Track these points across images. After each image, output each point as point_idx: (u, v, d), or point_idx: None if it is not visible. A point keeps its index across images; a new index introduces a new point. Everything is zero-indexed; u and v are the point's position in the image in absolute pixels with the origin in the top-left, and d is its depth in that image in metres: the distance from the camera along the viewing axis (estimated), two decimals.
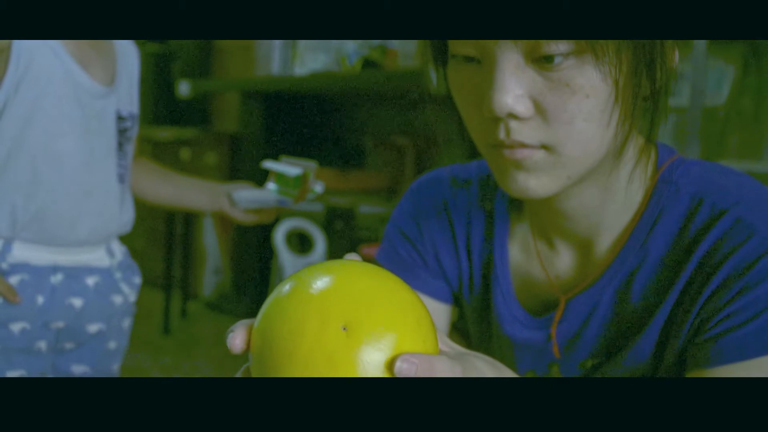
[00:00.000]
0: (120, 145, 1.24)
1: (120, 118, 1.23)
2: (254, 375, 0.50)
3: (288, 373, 0.47)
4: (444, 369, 0.47)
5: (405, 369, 0.45)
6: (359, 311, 0.47)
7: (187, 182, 1.42)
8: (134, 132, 1.29)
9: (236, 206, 1.36)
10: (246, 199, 1.35)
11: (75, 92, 1.15)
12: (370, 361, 0.46)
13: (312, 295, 0.48)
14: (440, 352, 0.53)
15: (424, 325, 0.49)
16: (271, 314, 0.49)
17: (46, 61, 1.11)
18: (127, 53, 1.29)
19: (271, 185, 1.35)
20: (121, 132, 1.24)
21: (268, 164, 1.35)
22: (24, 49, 1.10)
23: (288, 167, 1.31)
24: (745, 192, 0.64)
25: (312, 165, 1.29)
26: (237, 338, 0.49)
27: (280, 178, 1.32)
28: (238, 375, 0.52)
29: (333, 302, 0.47)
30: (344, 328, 0.46)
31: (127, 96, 1.27)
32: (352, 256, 0.55)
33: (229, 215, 1.37)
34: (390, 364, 0.46)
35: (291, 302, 0.49)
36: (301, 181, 1.28)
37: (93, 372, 1.26)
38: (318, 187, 1.31)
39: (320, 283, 0.49)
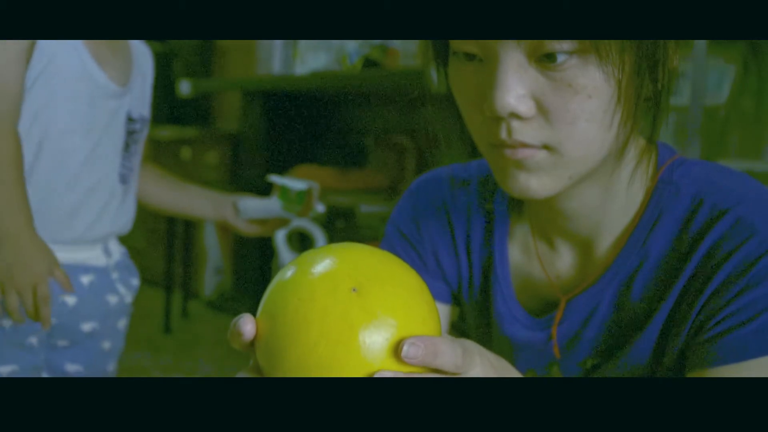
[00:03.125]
0: (126, 146, 1.24)
1: (130, 120, 1.24)
2: (262, 360, 0.50)
3: (303, 341, 0.47)
4: (447, 350, 0.48)
5: (412, 352, 0.46)
6: (368, 275, 0.48)
7: (192, 191, 1.43)
8: (143, 135, 1.29)
9: (240, 215, 1.37)
10: (251, 208, 1.36)
11: (89, 90, 1.15)
12: (383, 320, 0.47)
13: (318, 269, 0.49)
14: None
15: (427, 291, 0.51)
16: (278, 294, 0.50)
17: (66, 57, 1.12)
18: (142, 56, 1.29)
19: (274, 200, 1.36)
20: (130, 133, 1.24)
21: (274, 178, 1.37)
22: (46, 46, 1.10)
23: (293, 181, 1.33)
24: (746, 192, 0.64)
25: (315, 185, 1.30)
26: (248, 324, 0.49)
27: (284, 193, 1.34)
28: (248, 372, 0.52)
29: (341, 270, 0.49)
30: (354, 290, 0.47)
31: (140, 98, 1.27)
32: None
33: (232, 225, 1.38)
34: (401, 327, 0.47)
35: (298, 278, 0.49)
36: (305, 196, 1.30)
37: (86, 371, 1.26)
38: (320, 208, 1.32)
39: (324, 260, 0.50)
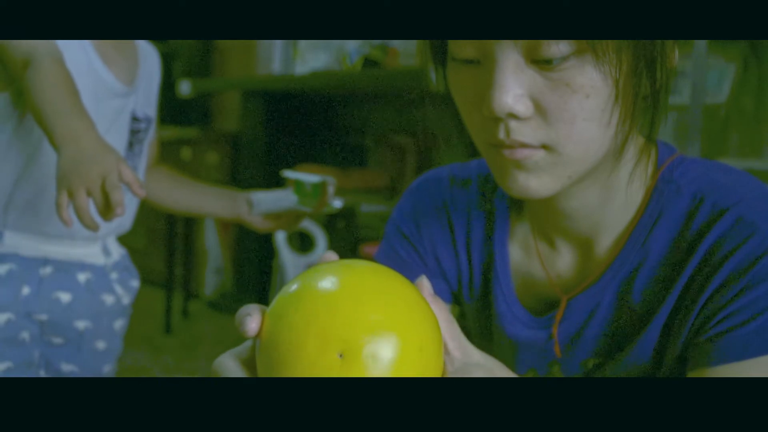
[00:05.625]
0: (130, 145, 1.24)
1: (134, 119, 1.24)
2: (259, 363, 0.51)
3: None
4: None
5: None
6: (357, 338, 0.47)
7: (206, 190, 1.43)
8: (148, 135, 1.30)
9: (254, 210, 1.36)
10: (265, 201, 1.35)
11: (94, 88, 1.15)
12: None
13: (315, 310, 0.48)
14: (447, 353, 0.53)
15: (426, 349, 0.49)
16: (279, 312, 0.50)
17: (73, 54, 1.12)
18: (149, 57, 1.30)
19: (288, 192, 1.35)
20: (134, 132, 1.24)
21: (288, 173, 1.36)
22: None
23: (307, 175, 1.32)
24: (746, 191, 0.64)
25: (331, 179, 1.29)
26: (254, 323, 0.51)
27: (299, 187, 1.33)
28: (231, 357, 0.53)
29: (333, 325, 0.47)
30: (341, 356, 0.47)
31: (145, 98, 1.27)
32: (329, 256, 0.55)
33: (247, 222, 1.37)
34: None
35: (294, 314, 0.49)
36: (319, 190, 1.28)
37: (80, 371, 1.25)
38: (337, 203, 1.31)
39: (323, 300, 0.49)
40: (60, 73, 1.03)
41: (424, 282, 0.55)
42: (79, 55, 1.14)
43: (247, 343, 0.54)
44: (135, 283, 1.33)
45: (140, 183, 0.97)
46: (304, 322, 0.48)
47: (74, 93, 1.02)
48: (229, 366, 0.52)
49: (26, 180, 1.13)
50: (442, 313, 0.54)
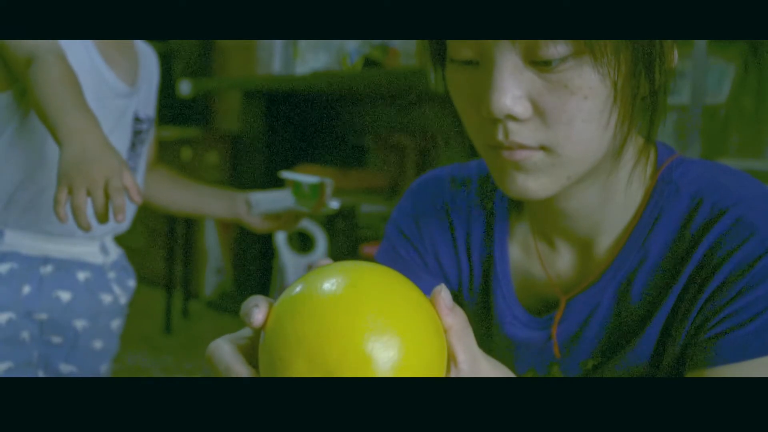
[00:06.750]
0: (133, 146, 1.24)
1: (137, 120, 1.24)
2: (260, 357, 0.51)
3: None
4: None
5: None
6: (346, 364, 0.47)
7: (205, 190, 1.43)
8: (149, 135, 1.30)
9: (253, 210, 1.36)
10: (263, 201, 1.35)
11: (97, 89, 1.15)
12: None
13: (307, 329, 0.48)
14: (456, 365, 0.52)
15: (419, 372, 0.48)
16: (279, 321, 0.50)
17: (76, 55, 1.12)
18: (148, 57, 1.30)
19: (287, 193, 1.35)
20: (136, 133, 1.25)
21: (286, 174, 1.36)
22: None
23: (305, 176, 1.32)
24: (746, 191, 0.64)
25: (329, 180, 1.29)
26: (260, 314, 0.50)
27: (297, 188, 1.33)
28: (227, 341, 0.52)
29: (322, 351, 0.47)
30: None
31: (146, 99, 1.28)
32: (323, 262, 0.54)
33: (246, 223, 1.37)
34: None
35: (291, 326, 0.49)
36: (318, 190, 1.28)
37: (79, 371, 1.25)
38: (334, 204, 1.31)
39: (319, 317, 0.48)
40: (63, 69, 1.03)
41: (443, 293, 0.51)
42: (82, 56, 1.14)
43: (244, 331, 0.54)
44: (132, 283, 1.33)
45: (138, 189, 0.97)
46: (296, 339, 0.48)
47: (78, 89, 1.02)
48: (225, 350, 0.51)
49: (28, 179, 1.14)
50: (459, 323, 0.51)
